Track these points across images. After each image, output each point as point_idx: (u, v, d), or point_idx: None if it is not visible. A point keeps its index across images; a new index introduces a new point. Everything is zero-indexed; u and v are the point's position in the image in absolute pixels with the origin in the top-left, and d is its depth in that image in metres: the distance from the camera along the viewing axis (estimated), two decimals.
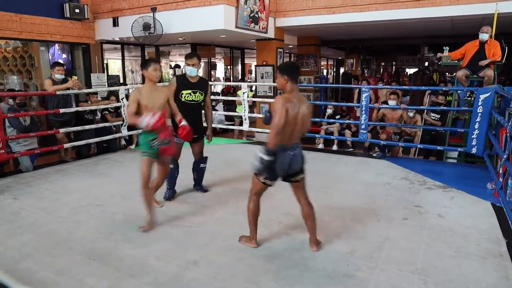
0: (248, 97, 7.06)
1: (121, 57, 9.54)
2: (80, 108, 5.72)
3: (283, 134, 2.55)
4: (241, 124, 7.57)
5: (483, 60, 5.21)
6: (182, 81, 3.86)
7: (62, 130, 5.38)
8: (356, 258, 2.73)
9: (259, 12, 7.05)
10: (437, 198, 4.01)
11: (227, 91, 10.81)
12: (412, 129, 6.59)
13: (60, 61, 7.11)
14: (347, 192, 4.20)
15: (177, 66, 11.75)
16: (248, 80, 12.25)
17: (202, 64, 12.51)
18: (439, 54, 5.92)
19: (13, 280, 0.65)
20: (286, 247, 2.90)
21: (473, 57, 5.34)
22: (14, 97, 5.34)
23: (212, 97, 7.40)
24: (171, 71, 12.09)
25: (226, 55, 12.50)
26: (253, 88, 8.89)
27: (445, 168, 5.53)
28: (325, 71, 16.92)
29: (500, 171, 3.92)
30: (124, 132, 6.26)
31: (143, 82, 3.56)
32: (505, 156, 3.68)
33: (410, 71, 17.08)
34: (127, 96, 6.26)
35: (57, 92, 5.22)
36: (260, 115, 7.71)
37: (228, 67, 12.90)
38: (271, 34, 7.72)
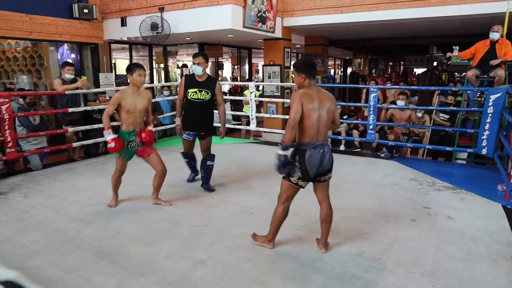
0: (255, 96, 7.06)
1: (129, 57, 9.59)
2: (88, 108, 5.76)
3: (309, 131, 2.53)
4: (248, 123, 7.57)
5: (494, 59, 5.14)
6: (190, 80, 4.02)
7: (70, 129, 5.43)
8: (364, 259, 2.71)
9: (266, 12, 7.03)
10: (447, 200, 3.96)
11: (234, 90, 10.81)
12: (421, 129, 6.53)
13: (70, 61, 7.17)
14: (354, 192, 4.17)
15: (185, 65, 11.79)
16: (255, 80, 12.25)
17: (210, 64, 12.59)
18: (448, 54, 5.85)
19: (28, 280, 0.65)
20: (293, 247, 2.88)
21: (483, 56, 5.27)
22: (24, 97, 5.39)
23: None
24: (178, 71, 12.13)
25: (234, 54, 12.51)
26: (260, 88, 8.88)
27: (455, 169, 5.47)
28: (332, 71, 16.85)
29: (511, 173, 3.87)
30: None
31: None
32: None
33: (418, 71, 16.95)
34: None
35: (66, 92, 5.27)
36: (267, 115, 7.70)
37: (235, 66, 12.92)
38: (278, 33, 7.71)
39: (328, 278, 2.47)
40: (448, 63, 8.25)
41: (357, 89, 10.63)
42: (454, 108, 5.98)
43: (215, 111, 4.17)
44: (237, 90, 10.60)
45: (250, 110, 7.08)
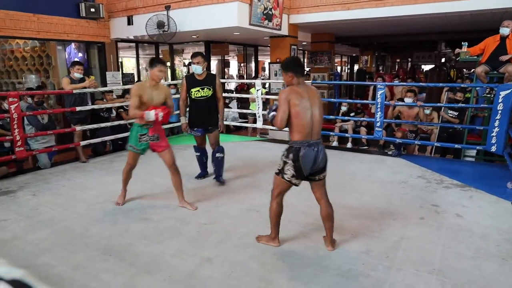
0: (261, 94, 7.05)
1: (135, 55, 9.63)
2: (96, 106, 5.80)
3: (303, 130, 2.52)
4: (254, 121, 7.56)
5: (504, 55, 5.06)
6: (190, 80, 4.23)
7: (78, 128, 5.47)
8: (372, 257, 2.69)
9: (272, 9, 7.01)
10: (455, 197, 3.92)
11: (240, 88, 10.80)
12: (429, 126, 6.46)
13: (77, 59, 7.22)
14: (362, 190, 4.15)
15: (191, 63, 11.82)
16: (262, 78, 12.23)
17: (216, 61, 12.57)
18: (457, 50, 5.78)
19: (35, 279, 0.65)
20: (300, 245, 2.87)
21: (493, 52, 5.19)
22: (32, 96, 5.44)
23: (226, 94, 7.43)
24: (184, 69, 12.15)
25: (240, 52, 12.49)
26: (267, 86, 8.86)
27: (463, 166, 5.41)
28: (339, 68, 16.75)
29: None
30: None
31: None
32: None
33: (426, 67, 16.77)
34: None
35: (74, 91, 5.30)
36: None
37: (242, 64, 12.89)
38: (284, 31, 7.67)
39: (335, 276, 2.46)
40: (457, 59, 8.16)
41: (364, 86, 10.56)
42: (463, 105, 5.91)
43: None
44: (243, 88, 10.59)
45: (256, 108, 7.07)
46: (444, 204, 3.72)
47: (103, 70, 8.05)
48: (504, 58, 5.05)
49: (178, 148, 5.78)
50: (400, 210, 3.58)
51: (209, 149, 4.53)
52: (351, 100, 8.00)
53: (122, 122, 6.23)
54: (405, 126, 6.01)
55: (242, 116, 8.69)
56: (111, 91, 6.36)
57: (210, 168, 4.66)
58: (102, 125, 5.81)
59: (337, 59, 15.85)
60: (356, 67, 16.14)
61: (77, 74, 5.45)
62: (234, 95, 9.37)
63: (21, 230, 3.19)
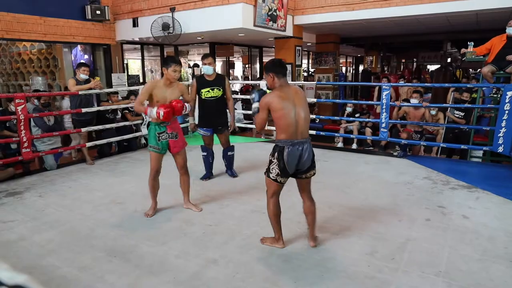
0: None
1: (140, 57, 9.68)
2: (101, 108, 5.83)
3: (287, 129, 2.55)
4: None
5: (510, 55, 5.01)
6: (201, 81, 4.33)
7: (84, 129, 5.50)
8: (377, 259, 2.67)
9: (277, 10, 7.01)
10: (462, 199, 3.88)
11: (245, 89, 10.81)
12: (434, 127, 6.42)
13: (82, 61, 7.27)
14: (367, 191, 4.13)
15: (196, 65, 11.83)
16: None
17: (221, 63, 12.58)
18: (463, 50, 5.73)
19: (38, 284, 0.65)
20: (305, 247, 2.86)
21: (500, 52, 5.14)
22: (39, 98, 5.49)
23: None
24: (189, 70, 12.18)
25: (244, 53, 12.51)
26: None
27: (470, 167, 5.36)
28: (344, 68, 16.71)
29: None
30: (144, 131, 6.35)
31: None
32: None
33: (432, 67, 16.67)
34: None
35: (79, 92, 5.34)
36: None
37: (246, 65, 12.91)
38: (289, 32, 7.67)
39: (340, 278, 2.44)
40: (463, 59, 8.10)
41: (369, 87, 10.52)
42: (469, 105, 5.86)
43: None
44: (248, 89, 10.59)
45: None
46: (451, 205, 3.69)
47: (109, 71, 8.11)
48: (511, 57, 5.00)
49: None
50: (405, 211, 3.55)
51: (215, 150, 4.58)
52: (356, 101, 7.96)
53: (127, 123, 6.26)
54: (410, 126, 5.98)
55: (247, 117, 8.69)
56: (116, 93, 6.40)
57: (215, 169, 4.70)
58: (108, 126, 5.84)
59: (342, 60, 15.82)
60: (361, 67, 16.09)
61: (83, 76, 5.48)
62: (239, 96, 9.38)
63: (28, 231, 3.21)
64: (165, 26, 6.87)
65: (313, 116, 7.34)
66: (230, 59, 12.19)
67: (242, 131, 8.74)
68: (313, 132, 6.59)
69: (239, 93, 10.53)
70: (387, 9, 6.74)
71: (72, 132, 5.63)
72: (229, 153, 4.59)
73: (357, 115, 7.50)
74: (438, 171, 4.86)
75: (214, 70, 4.33)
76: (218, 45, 9.86)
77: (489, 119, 5.96)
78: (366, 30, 9.50)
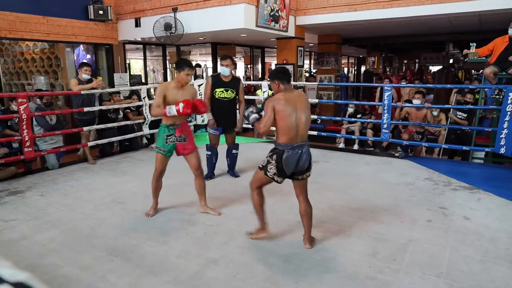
0: (268, 96, 7.04)
1: (143, 57, 9.70)
2: (103, 107, 5.85)
3: (288, 133, 2.63)
4: None
5: None
6: (216, 80, 4.41)
7: (86, 129, 5.51)
8: (378, 260, 2.67)
9: (279, 11, 7.01)
10: (463, 200, 3.88)
11: (247, 90, 10.81)
12: (436, 128, 6.41)
13: (85, 61, 7.29)
14: (368, 192, 4.12)
15: (198, 65, 11.87)
16: (268, 79, 12.22)
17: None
18: (465, 51, 5.72)
19: (39, 282, 0.66)
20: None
21: (502, 53, 5.13)
22: (41, 97, 5.50)
23: None
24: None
25: (246, 54, 12.52)
26: None
27: (471, 168, 5.35)
28: (346, 69, 16.70)
29: None
30: (146, 130, 6.36)
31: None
32: None
33: (434, 68, 16.64)
34: (149, 96, 6.37)
35: (82, 92, 5.35)
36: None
37: (248, 66, 12.92)
38: (291, 32, 7.67)
39: (341, 279, 2.44)
40: (465, 60, 8.09)
41: (371, 88, 10.52)
42: (472, 107, 5.85)
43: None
44: (250, 90, 10.60)
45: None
46: (452, 206, 3.68)
47: (111, 71, 8.13)
48: None
49: None
50: (407, 212, 3.55)
51: (220, 151, 4.64)
52: (357, 102, 7.96)
53: (129, 122, 6.27)
54: (412, 127, 5.97)
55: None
56: (118, 92, 6.41)
57: (216, 169, 4.70)
58: (109, 125, 5.84)
59: (344, 61, 15.81)
60: (363, 68, 16.07)
61: (84, 75, 5.50)
62: None
63: (29, 230, 3.22)
64: (167, 26, 6.88)
65: (315, 117, 7.35)
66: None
67: (244, 131, 8.74)
68: (314, 132, 6.60)
69: None
70: (389, 10, 6.73)
71: (74, 131, 5.64)
72: (234, 151, 4.66)
73: (358, 115, 7.49)
74: (440, 172, 4.85)
75: (231, 72, 4.40)
76: (220, 46, 9.88)
77: (491, 120, 5.95)
78: (368, 31, 9.50)
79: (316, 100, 7.55)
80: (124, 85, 7.87)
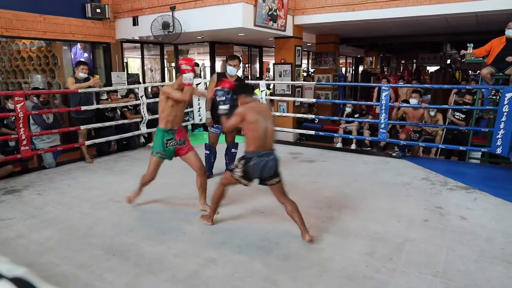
0: (266, 95, 7.05)
1: (140, 56, 9.67)
2: (101, 106, 5.83)
3: (256, 142, 2.80)
4: None
5: (510, 56, 5.03)
6: (221, 78, 4.31)
7: (83, 127, 5.50)
8: (376, 259, 2.68)
9: (277, 10, 7.01)
10: (459, 200, 3.90)
11: None
12: (433, 128, 6.43)
13: (82, 59, 7.26)
14: (366, 192, 4.14)
15: (196, 64, 11.85)
16: (266, 79, 12.23)
17: (220, 62, 12.55)
18: (462, 51, 5.75)
19: (37, 277, 0.66)
20: (303, 246, 2.87)
21: (499, 54, 5.16)
22: (38, 95, 5.48)
23: None
24: None
25: (244, 53, 12.49)
26: (271, 87, 8.87)
27: (468, 168, 5.38)
28: (343, 69, 16.72)
29: None
30: (143, 129, 6.35)
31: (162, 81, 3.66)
32: None
33: (431, 69, 16.70)
34: (146, 95, 6.35)
35: (79, 90, 5.33)
36: (278, 114, 7.66)
37: (246, 65, 12.90)
38: (289, 32, 7.67)
39: (339, 278, 2.45)
40: (462, 61, 8.12)
41: (368, 88, 10.54)
42: (469, 107, 5.87)
43: None
44: None
45: None
46: (449, 206, 3.70)
47: (109, 70, 8.09)
48: (510, 59, 5.02)
49: None
50: (404, 212, 3.56)
51: (219, 150, 4.64)
52: (355, 102, 7.98)
53: (126, 121, 6.26)
54: (409, 126, 5.99)
55: None
56: (115, 91, 6.39)
57: (214, 168, 4.70)
58: (107, 124, 5.83)
59: (341, 60, 15.83)
60: (360, 68, 16.10)
61: (81, 74, 5.48)
62: None
63: (26, 228, 3.21)
64: (165, 25, 6.86)
65: (312, 116, 7.37)
66: None
67: (239, 130, 8.74)
68: (312, 132, 6.61)
69: None
70: (387, 10, 6.74)
71: (71, 130, 5.62)
72: (233, 150, 4.64)
73: (356, 115, 7.51)
74: (437, 172, 4.88)
75: (237, 72, 4.41)
76: (218, 45, 9.86)
77: (487, 120, 5.98)
78: (366, 31, 9.51)
79: (314, 100, 7.55)
80: (121, 84, 7.84)
